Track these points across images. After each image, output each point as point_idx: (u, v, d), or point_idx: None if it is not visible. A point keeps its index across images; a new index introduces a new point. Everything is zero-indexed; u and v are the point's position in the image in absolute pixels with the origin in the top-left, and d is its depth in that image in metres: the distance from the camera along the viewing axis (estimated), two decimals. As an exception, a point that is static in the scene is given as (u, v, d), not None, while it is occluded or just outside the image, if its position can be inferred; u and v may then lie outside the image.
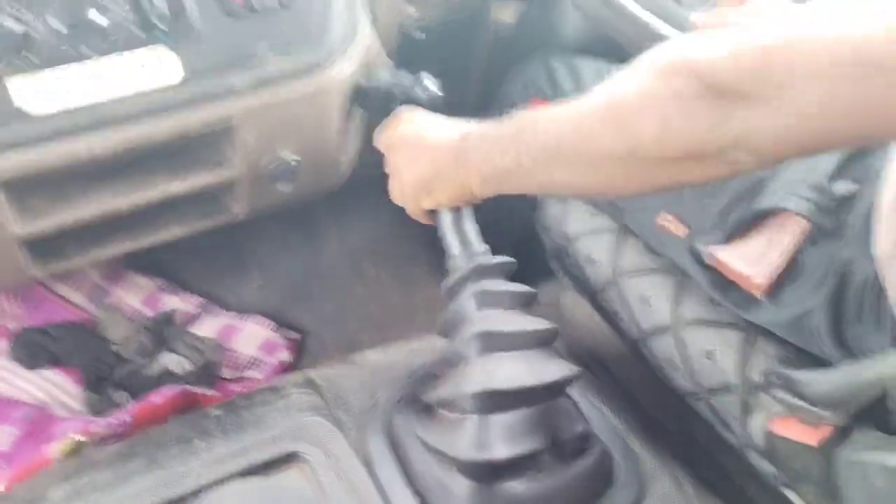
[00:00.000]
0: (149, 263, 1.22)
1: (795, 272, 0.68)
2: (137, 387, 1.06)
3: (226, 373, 1.13)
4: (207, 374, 1.10)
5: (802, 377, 0.63)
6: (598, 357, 0.99)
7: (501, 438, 0.68)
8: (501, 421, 0.68)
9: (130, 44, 0.76)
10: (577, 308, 1.00)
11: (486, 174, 0.68)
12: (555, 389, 0.71)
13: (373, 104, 0.99)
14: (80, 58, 0.75)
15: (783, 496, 0.74)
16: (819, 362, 0.70)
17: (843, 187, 0.66)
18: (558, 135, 0.61)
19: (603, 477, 0.74)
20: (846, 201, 0.66)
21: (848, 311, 0.65)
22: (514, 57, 1.11)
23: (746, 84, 0.48)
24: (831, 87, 0.45)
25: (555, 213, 0.92)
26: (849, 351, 0.65)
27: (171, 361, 1.10)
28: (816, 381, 0.62)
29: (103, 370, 1.08)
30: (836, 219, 0.66)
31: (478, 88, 1.17)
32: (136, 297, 1.19)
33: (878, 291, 0.63)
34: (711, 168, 0.54)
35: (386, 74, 0.98)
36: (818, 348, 0.68)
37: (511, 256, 0.80)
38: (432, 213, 0.79)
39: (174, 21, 0.78)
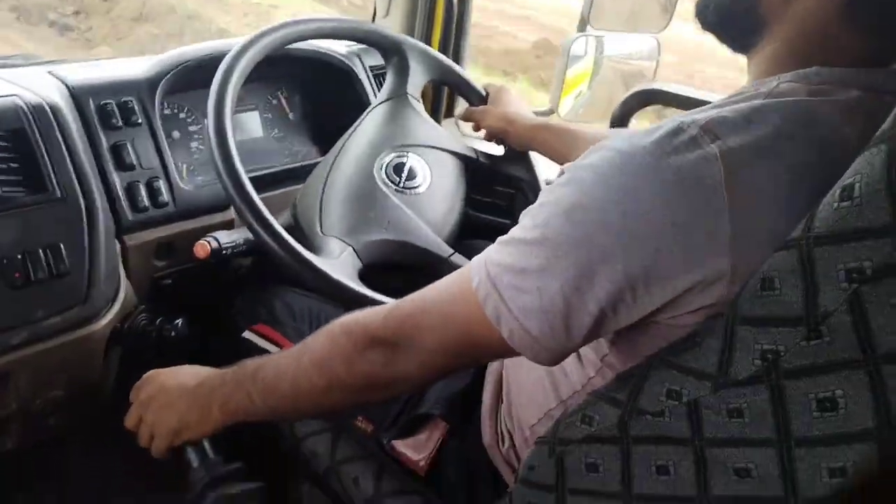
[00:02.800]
0: None
1: (443, 457, 0.99)
2: None
3: None
4: None
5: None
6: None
7: None
8: None
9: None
10: (314, 493, 1.22)
11: (227, 412, 0.90)
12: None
13: (129, 344, 1.20)
14: None
15: None
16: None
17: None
18: (279, 378, 0.86)
19: None
20: (469, 409, 0.98)
21: (476, 481, 0.96)
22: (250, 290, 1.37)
23: (393, 337, 0.78)
24: (442, 336, 0.75)
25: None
26: None
27: None
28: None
29: None
30: (463, 421, 0.98)
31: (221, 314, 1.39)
32: None
33: (491, 467, 0.95)
34: (387, 392, 0.83)
35: (141, 318, 1.21)
36: None
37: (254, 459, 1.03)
38: None
39: (-38, 297, 0.97)
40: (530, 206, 0.72)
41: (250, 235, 1.20)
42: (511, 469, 0.93)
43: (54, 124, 1.08)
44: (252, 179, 1.12)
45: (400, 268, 1.26)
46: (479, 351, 0.76)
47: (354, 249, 1.17)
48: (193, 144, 1.42)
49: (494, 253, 0.72)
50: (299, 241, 1.10)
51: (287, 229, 1.16)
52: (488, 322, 0.70)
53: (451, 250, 1.28)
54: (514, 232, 0.72)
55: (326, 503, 1.13)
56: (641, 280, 0.65)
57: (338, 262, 1.12)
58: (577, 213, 0.66)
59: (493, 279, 0.70)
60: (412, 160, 1.32)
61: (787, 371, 0.61)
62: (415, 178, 1.32)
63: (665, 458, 0.69)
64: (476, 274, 0.72)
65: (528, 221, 0.70)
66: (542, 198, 0.71)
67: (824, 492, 0.62)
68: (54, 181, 1.06)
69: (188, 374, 0.95)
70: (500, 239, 0.73)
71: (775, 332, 0.61)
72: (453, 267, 1.24)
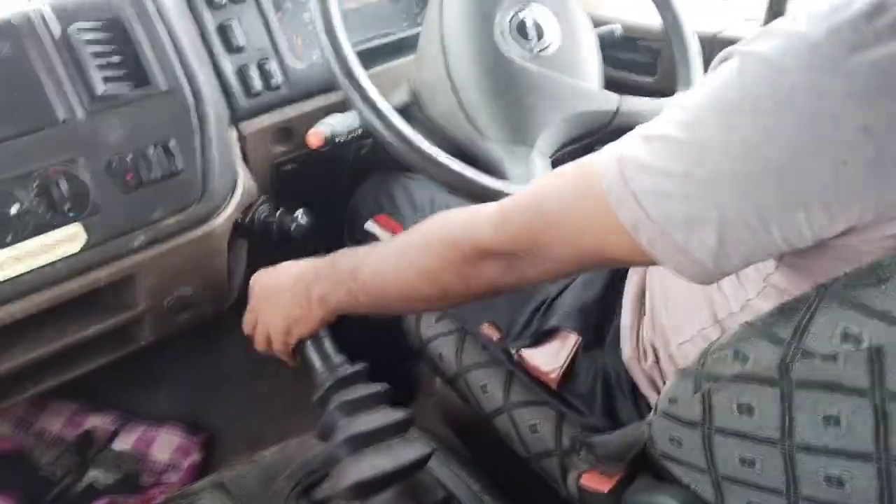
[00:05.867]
0: (67, 388, 1.35)
1: (576, 370, 0.91)
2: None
3: (145, 480, 1.27)
4: (129, 484, 1.24)
5: (594, 440, 0.84)
6: (464, 427, 1.19)
7: (376, 518, 0.86)
8: (374, 503, 0.87)
9: (42, 227, 0.92)
10: (446, 389, 1.20)
11: (329, 307, 0.86)
12: (413, 468, 0.89)
13: (253, 236, 1.18)
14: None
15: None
16: (617, 424, 0.91)
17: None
18: (384, 282, 0.80)
19: (461, 532, 0.93)
20: (605, 319, 0.89)
21: (614, 396, 0.88)
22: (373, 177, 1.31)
23: (509, 250, 0.69)
24: (567, 248, 0.66)
25: (410, 320, 1.12)
26: (619, 422, 0.86)
27: (96, 477, 1.23)
28: (602, 442, 0.83)
29: (35, 493, 1.21)
30: (598, 333, 0.89)
31: (346, 202, 1.35)
32: (58, 421, 1.32)
33: (631, 382, 0.86)
34: (510, 291, 0.75)
35: (262, 210, 1.17)
36: (598, 423, 0.89)
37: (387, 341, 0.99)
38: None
39: (77, 202, 0.94)
40: (684, 96, 0.59)
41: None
42: (654, 388, 0.84)
43: (153, 9, 1.01)
44: (367, 51, 1.02)
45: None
46: (614, 260, 0.66)
47: (536, 148, 1.07)
48: (307, 15, 1.32)
49: (629, 148, 0.60)
50: (458, 156, 1.01)
51: (402, 108, 1.06)
52: (624, 230, 0.60)
53: (617, 96, 1.14)
54: (658, 125, 0.59)
55: (458, 402, 1.10)
56: (818, 200, 0.52)
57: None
58: (737, 115, 0.54)
59: (627, 180, 0.59)
60: (534, 12, 1.16)
61: None
62: (543, 34, 1.16)
63: (836, 409, 0.58)
64: (606, 174, 0.60)
65: (677, 115, 0.58)
66: (699, 87, 0.58)
67: None
68: (158, 73, 1.01)
69: (287, 272, 0.92)
70: (637, 131, 0.61)
71: None
72: (627, 117, 1.12)
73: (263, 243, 1.20)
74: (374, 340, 1.08)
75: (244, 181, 1.14)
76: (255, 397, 1.46)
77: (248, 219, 1.15)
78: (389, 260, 0.80)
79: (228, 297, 1.21)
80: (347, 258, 0.85)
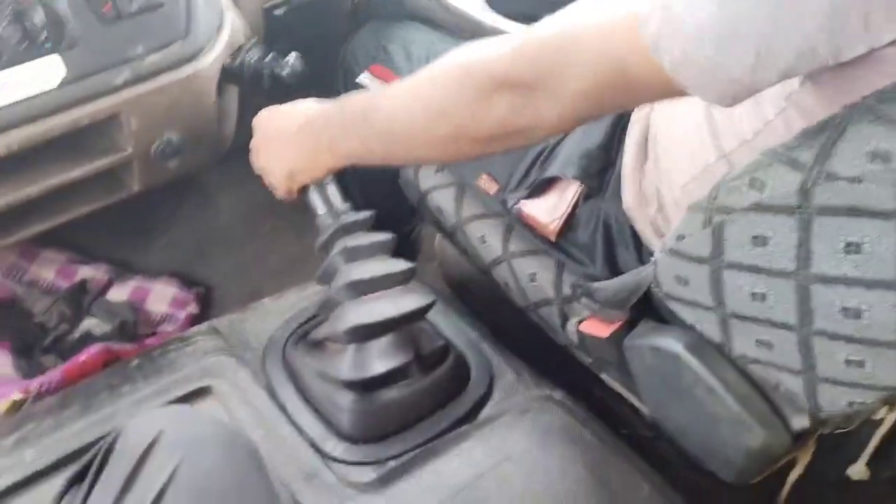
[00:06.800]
0: (59, 238, 1.32)
1: (576, 220, 0.87)
2: (64, 351, 1.18)
3: (141, 329, 1.26)
4: (125, 332, 1.23)
5: (595, 286, 0.82)
6: (462, 282, 1.17)
7: (374, 359, 0.85)
8: (373, 346, 0.85)
9: (16, 58, 0.87)
10: (445, 243, 1.17)
11: (338, 154, 0.81)
12: (413, 316, 0.88)
13: (243, 81, 1.12)
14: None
15: (599, 378, 0.94)
16: (617, 274, 0.88)
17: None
18: (394, 123, 0.75)
19: (460, 378, 0.92)
20: (605, 167, 0.85)
21: (615, 246, 0.85)
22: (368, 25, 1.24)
23: (525, 80, 0.63)
24: (588, 76, 0.60)
25: (408, 172, 1.08)
26: (619, 272, 0.83)
27: (91, 325, 1.23)
28: (604, 288, 0.81)
29: (30, 340, 1.20)
30: (599, 181, 0.85)
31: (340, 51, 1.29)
32: (51, 270, 1.30)
33: (632, 231, 0.83)
34: (517, 141, 0.70)
35: (252, 54, 1.10)
36: (598, 273, 0.86)
37: (386, 204, 0.97)
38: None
39: (54, 32, 0.88)
40: None
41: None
42: (657, 235, 0.81)
43: None
44: None
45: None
46: (635, 92, 0.61)
47: None
48: None
49: None
50: None
51: None
52: (646, 51, 0.55)
53: None
54: None
55: (457, 259, 1.07)
56: None
57: None
58: None
59: None
60: None
61: None
62: None
63: (858, 235, 0.55)
64: None
65: None
66: None
67: None
68: None
69: (296, 114, 0.87)
70: None
71: None
72: None
73: (255, 90, 1.14)
74: (373, 202, 1.04)
75: (232, 21, 1.08)
76: (250, 252, 1.43)
77: (237, 62, 1.09)
78: (402, 97, 0.74)
79: (220, 146, 1.16)
80: (359, 101, 0.80)
